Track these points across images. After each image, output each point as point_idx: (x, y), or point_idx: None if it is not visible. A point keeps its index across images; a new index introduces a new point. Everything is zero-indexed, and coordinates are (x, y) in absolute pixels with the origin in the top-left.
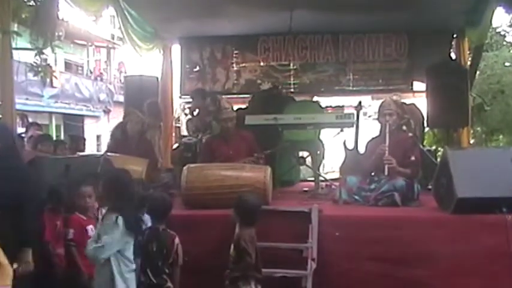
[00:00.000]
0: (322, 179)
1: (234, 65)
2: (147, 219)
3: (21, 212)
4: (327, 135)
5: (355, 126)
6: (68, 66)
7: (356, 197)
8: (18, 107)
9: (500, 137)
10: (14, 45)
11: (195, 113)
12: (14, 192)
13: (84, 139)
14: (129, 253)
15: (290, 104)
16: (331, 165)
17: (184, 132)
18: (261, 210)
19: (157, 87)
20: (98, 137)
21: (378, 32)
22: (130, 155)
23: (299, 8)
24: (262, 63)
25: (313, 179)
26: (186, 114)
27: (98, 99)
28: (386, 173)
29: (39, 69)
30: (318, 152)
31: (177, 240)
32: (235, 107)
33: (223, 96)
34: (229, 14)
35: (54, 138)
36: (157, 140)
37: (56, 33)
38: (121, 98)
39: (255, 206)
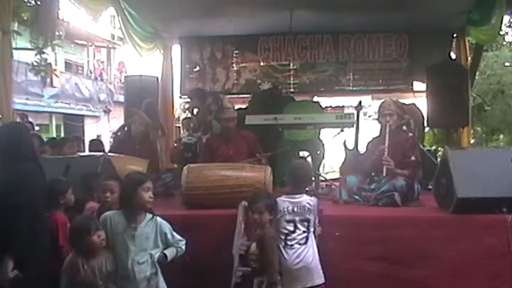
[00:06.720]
0: (322, 179)
1: (234, 65)
2: None
3: (10, 218)
4: (327, 135)
5: (355, 126)
6: (68, 66)
7: (356, 197)
8: (18, 107)
9: (501, 136)
10: (14, 45)
11: (194, 112)
12: (7, 195)
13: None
14: None
15: (290, 104)
16: (331, 165)
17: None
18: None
19: (157, 87)
20: (98, 137)
21: (378, 32)
22: (133, 156)
23: (299, 8)
24: (262, 63)
25: (313, 179)
26: (184, 112)
27: (98, 99)
28: (384, 173)
29: (40, 68)
30: (318, 152)
31: None
32: (236, 107)
33: (226, 96)
34: (229, 14)
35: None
36: (159, 142)
37: (56, 33)
38: (121, 98)
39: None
